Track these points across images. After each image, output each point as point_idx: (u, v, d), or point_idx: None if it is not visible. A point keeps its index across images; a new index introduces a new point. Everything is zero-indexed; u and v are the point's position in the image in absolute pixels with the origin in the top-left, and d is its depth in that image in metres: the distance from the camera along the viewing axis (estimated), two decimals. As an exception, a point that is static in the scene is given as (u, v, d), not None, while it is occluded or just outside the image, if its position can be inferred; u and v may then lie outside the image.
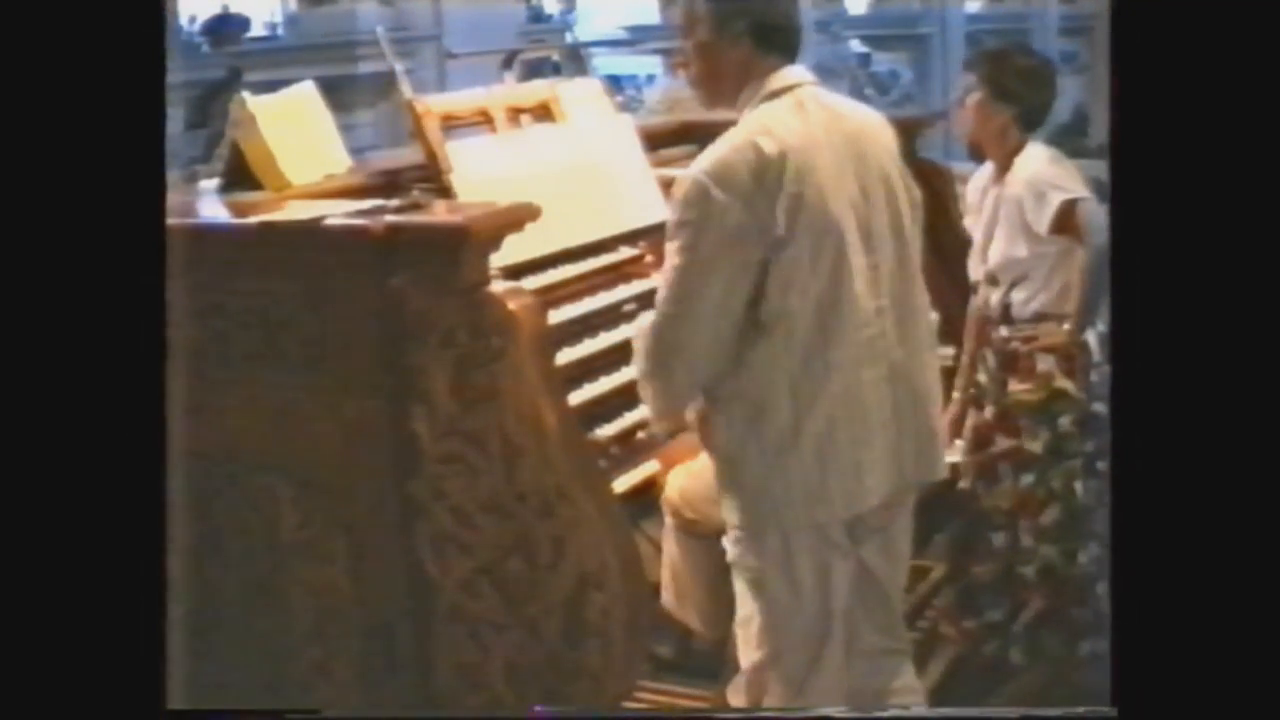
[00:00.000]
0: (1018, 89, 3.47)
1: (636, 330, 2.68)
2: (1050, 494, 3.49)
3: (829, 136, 2.59)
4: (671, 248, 2.57)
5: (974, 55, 3.70)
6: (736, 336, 2.55)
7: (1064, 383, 3.46)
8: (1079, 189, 3.39)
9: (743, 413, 2.60)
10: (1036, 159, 3.46)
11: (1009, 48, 3.78)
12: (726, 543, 2.75)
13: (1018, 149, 3.48)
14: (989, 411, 3.55)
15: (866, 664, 2.82)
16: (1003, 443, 3.53)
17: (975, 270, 3.60)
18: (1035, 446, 3.48)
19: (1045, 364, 3.47)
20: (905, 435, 2.68)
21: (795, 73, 2.66)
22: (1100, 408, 3.42)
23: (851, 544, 2.70)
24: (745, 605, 2.74)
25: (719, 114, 2.83)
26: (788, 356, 2.55)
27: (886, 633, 2.85)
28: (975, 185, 3.63)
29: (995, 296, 3.53)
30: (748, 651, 2.76)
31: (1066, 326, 3.43)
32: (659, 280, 2.64)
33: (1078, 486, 3.47)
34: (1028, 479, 3.50)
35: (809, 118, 2.60)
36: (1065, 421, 3.47)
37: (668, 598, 3.30)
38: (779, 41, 2.65)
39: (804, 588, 2.67)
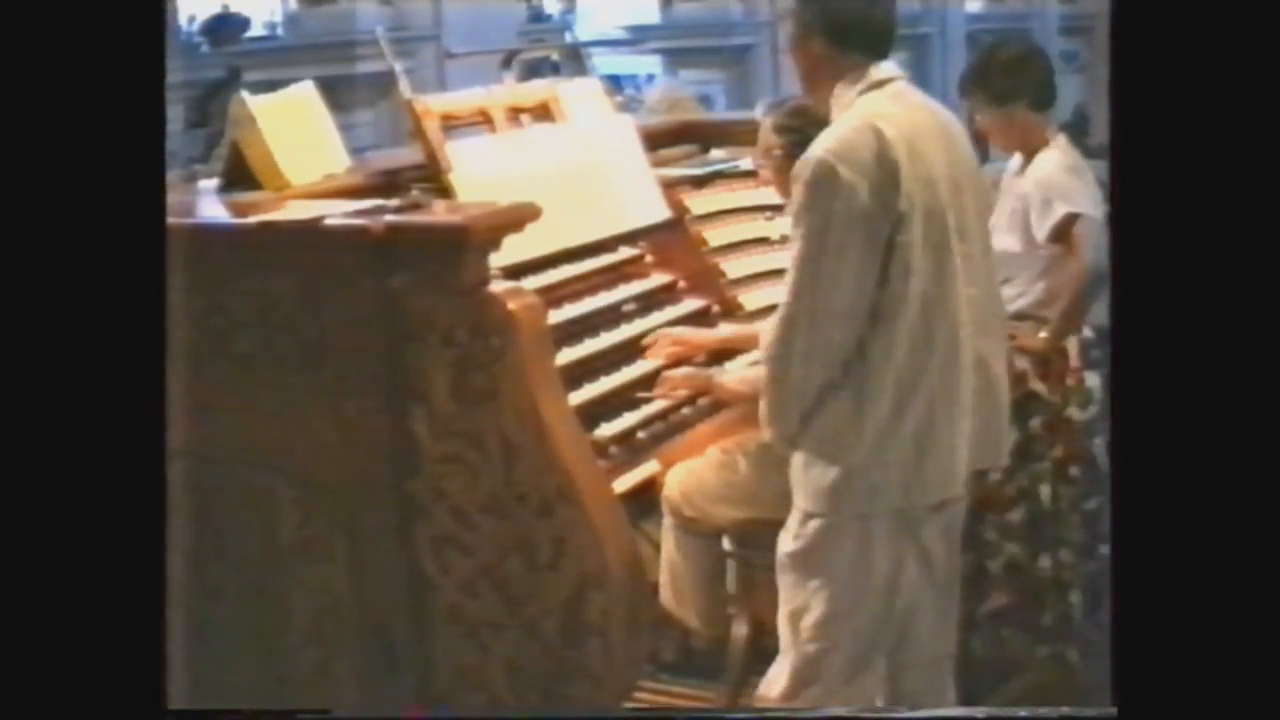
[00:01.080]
0: (1012, 84, 3.46)
1: (763, 333, 2.66)
2: (1019, 493, 3.49)
3: (929, 127, 2.65)
4: (799, 233, 2.57)
5: (960, 82, 3.69)
6: (862, 326, 2.55)
7: (1038, 385, 3.46)
8: (1085, 204, 3.37)
9: (848, 398, 2.59)
10: (1052, 163, 3.44)
11: (985, 51, 3.77)
12: (785, 535, 2.71)
13: (1044, 140, 3.46)
14: None
15: (925, 671, 2.81)
16: None
17: None
18: None
19: (1022, 364, 3.47)
20: (980, 422, 2.71)
21: (890, 67, 2.70)
22: (1074, 413, 3.43)
23: (918, 532, 2.70)
24: (797, 598, 2.71)
25: (719, 115, 2.84)
26: (896, 343, 2.56)
27: (942, 635, 2.84)
28: (1007, 173, 3.62)
29: None
30: (797, 645, 2.73)
31: (1044, 334, 3.43)
32: (788, 267, 2.59)
33: (1043, 490, 3.47)
34: (996, 475, 3.50)
35: (911, 108, 2.66)
36: (1035, 423, 3.46)
37: (665, 596, 3.29)
38: (855, 38, 2.68)
39: (877, 579, 2.67)
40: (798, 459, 2.68)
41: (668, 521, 3.26)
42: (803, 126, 3.09)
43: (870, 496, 2.62)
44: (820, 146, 2.57)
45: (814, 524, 2.67)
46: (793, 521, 2.71)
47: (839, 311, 2.54)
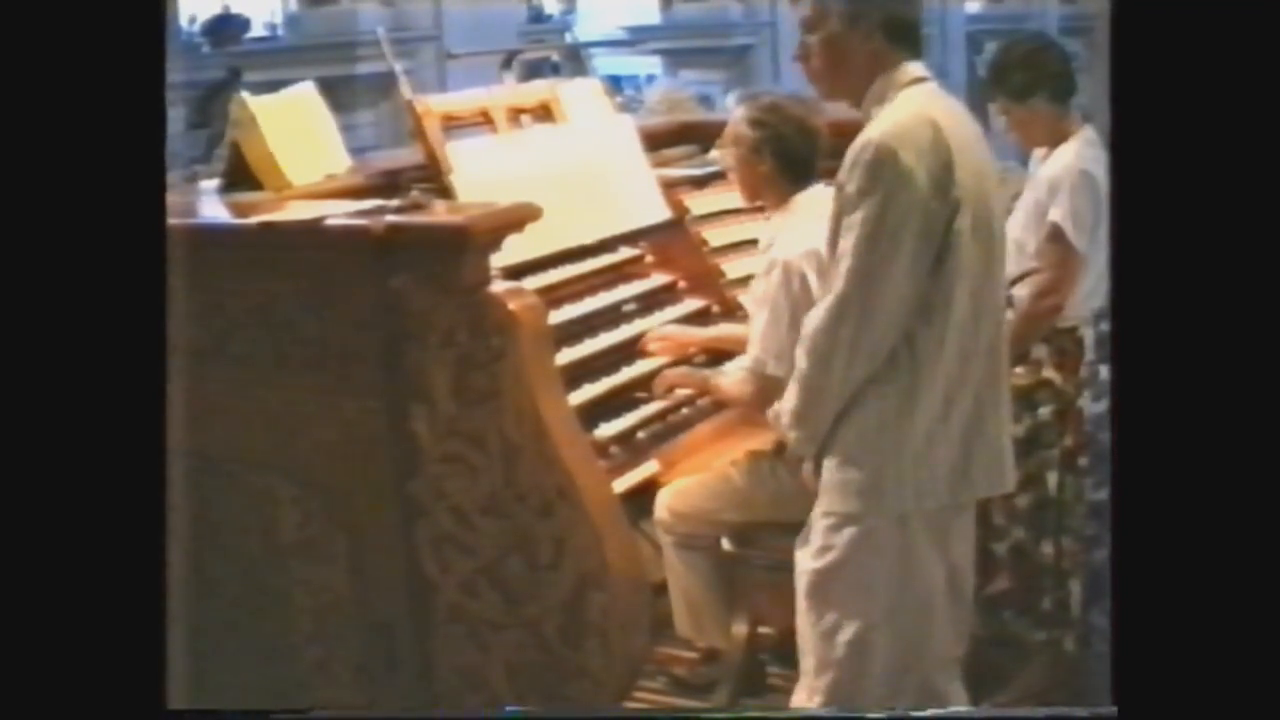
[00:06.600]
0: (1030, 78, 3.44)
1: (806, 322, 2.58)
2: (1027, 478, 3.48)
3: (968, 123, 2.63)
4: (858, 218, 2.49)
5: (982, 85, 3.66)
6: (911, 318, 2.51)
7: (1051, 373, 3.46)
8: (1085, 203, 3.34)
9: (894, 397, 2.53)
10: (1065, 160, 3.39)
11: (1000, 50, 3.75)
12: (805, 552, 2.64)
13: (1067, 131, 3.44)
14: None
15: (940, 677, 2.74)
16: None
17: None
18: (1017, 430, 3.47)
19: (1039, 352, 3.47)
20: None
21: (921, 67, 2.66)
22: (1086, 403, 3.42)
23: (948, 536, 2.64)
24: (829, 616, 2.62)
25: (719, 115, 2.82)
26: (948, 336, 2.52)
27: (961, 637, 2.77)
28: (1032, 163, 3.60)
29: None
30: (832, 663, 2.63)
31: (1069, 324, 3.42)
32: (843, 254, 2.49)
33: (1050, 477, 3.47)
34: None
35: (950, 105, 2.63)
36: (1045, 411, 3.46)
37: (685, 628, 3.28)
38: (908, 36, 2.65)
39: (915, 585, 2.59)
40: (830, 462, 2.59)
41: (666, 542, 3.23)
42: (777, 123, 3.09)
43: (917, 494, 2.56)
44: (878, 130, 2.51)
45: (849, 531, 2.57)
46: (818, 534, 2.62)
47: (891, 299, 2.48)
